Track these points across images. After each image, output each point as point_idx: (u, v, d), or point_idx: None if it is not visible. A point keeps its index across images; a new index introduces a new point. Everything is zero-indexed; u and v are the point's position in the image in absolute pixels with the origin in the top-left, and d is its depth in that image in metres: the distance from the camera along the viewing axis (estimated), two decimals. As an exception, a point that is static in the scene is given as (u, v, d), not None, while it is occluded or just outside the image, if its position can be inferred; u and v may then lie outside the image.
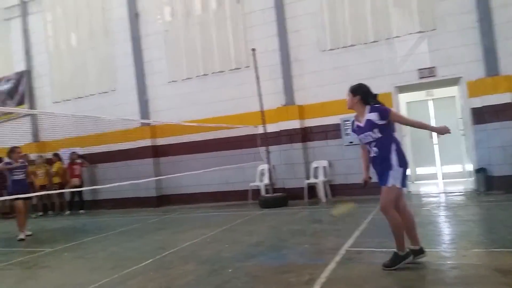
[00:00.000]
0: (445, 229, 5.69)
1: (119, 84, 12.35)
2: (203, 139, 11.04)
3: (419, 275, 3.68)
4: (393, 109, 3.92)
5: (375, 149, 3.89)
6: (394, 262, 3.79)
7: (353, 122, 4.11)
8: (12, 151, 8.18)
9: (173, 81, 11.69)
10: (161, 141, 11.91)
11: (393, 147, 3.81)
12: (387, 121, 3.86)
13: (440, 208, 7.35)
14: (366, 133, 3.90)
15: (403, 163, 3.80)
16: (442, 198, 8.54)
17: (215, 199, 10.97)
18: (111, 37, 12.50)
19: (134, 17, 12.01)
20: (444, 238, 5.20)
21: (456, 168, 11.23)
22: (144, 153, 11.76)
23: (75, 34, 13.06)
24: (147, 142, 11.82)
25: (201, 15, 11.40)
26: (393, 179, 3.74)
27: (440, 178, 11.50)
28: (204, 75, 11.32)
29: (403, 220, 3.92)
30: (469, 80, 8.77)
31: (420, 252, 3.95)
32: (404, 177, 3.82)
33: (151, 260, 5.14)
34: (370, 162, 4.05)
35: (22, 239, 7.75)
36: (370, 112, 3.89)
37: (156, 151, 11.89)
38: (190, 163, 10.93)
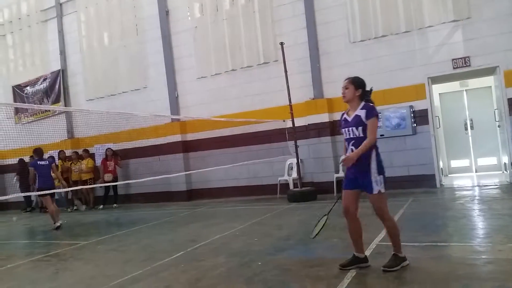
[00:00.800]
0: (480, 223, 5.53)
1: (150, 81, 12.60)
2: (232, 133, 11.13)
3: (452, 269, 3.60)
4: (377, 119, 3.74)
5: (353, 148, 3.75)
6: (396, 263, 3.70)
7: (342, 114, 3.97)
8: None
9: (202, 77, 11.82)
10: (190, 136, 12.09)
11: (373, 153, 3.71)
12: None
13: (474, 201, 7.14)
14: (349, 128, 3.78)
15: (382, 171, 3.71)
16: (477, 191, 8.29)
17: (244, 193, 11.05)
18: (142, 35, 12.75)
19: (164, 14, 12.20)
20: (479, 232, 5.05)
21: (491, 160, 10.87)
22: (174, 148, 11.98)
23: (107, 33, 13.40)
24: (177, 137, 12.03)
25: (229, 10, 11.45)
26: (377, 185, 3.66)
27: (474, 171, 11.16)
28: (233, 70, 11.38)
29: (356, 226, 3.89)
30: (507, 69, 8.45)
31: (365, 260, 3.89)
32: (385, 182, 3.72)
33: (182, 252, 5.25)
34: None
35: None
36: (361, 108, 3.77)
37: (186, 146, 12.08)
38: (219, 157, 11.05)
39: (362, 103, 3.80)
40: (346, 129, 3.82)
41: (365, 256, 3.90)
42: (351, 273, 3.72)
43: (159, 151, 12.13)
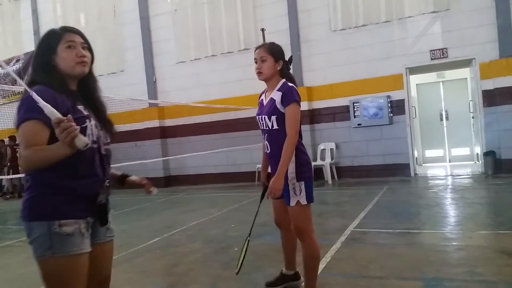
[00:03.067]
0: (451, 211, 5.67)
1: (128, 65, 12.34)
2: (211, 120, 11.04)
3: (423, 256, 3.69)
4: (298, 105, 2.66)
5: (267, 143, 2.80)
6: None
7: (260, 94, 2.99)
8: None
9: (181, 61, 11.65)
10: (169, 122, 11.94)
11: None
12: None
13: (447, 190, 7.32)
14: (262, 117, 2.77)
15: (303, 176, 2.69)
16: (450, 180, 8.50)
17: (222, 180, 11.03)
18: (119, 18, 12.44)
19: (142, -4, 11.92)
20: (450, 220, 5.18)
21: (465, 151, 11.15)
22: (152, 134, 11.82)
23: (84, 14, 13.01)
24: (155, 123, 11.87)
25: (209, -6, 11.27)
26: (295, 194, 2.69)
27: (448, 161, 11.44)
28: (213, 55, 11.25)
29: (291, 238, 3.08)
30: (482, 61, 8.62)
31: (295, 278, 3.13)
32: (311, 189, 2.74)
33: (159, 238, 5.22)
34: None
35: None
36: (278, 90, 2.72)
37: (164, 132, 11.94)
38: (198, 144, 10.98)
39: (282, 82, 2.76)
40: (259, 117, 2.81)
41: (295, 272, 3.14)
42: (326, 259, 3.77)
43: (136, 137, 11.95)
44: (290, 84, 2.72)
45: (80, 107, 1.80)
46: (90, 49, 1.94)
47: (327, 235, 4.64)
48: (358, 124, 9.63)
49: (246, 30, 10.81)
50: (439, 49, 8.96)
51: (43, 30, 12.54)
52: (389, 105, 9.38)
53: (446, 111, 11.35)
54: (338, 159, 9.86)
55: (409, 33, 9.26)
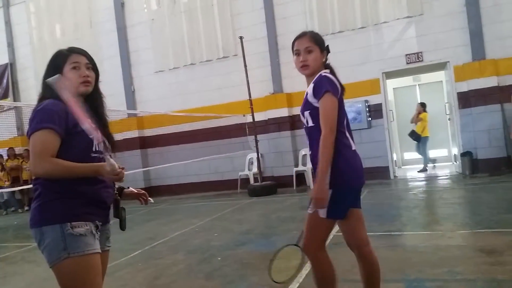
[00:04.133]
0: (431, 212, 5.77)
1: (105, 75, 12.04)
2: (191, 129, 10.97)
3: (405, 257, 3.73)
4: (332, 96, 2.21)
5: (308, 143, 2.41)
6: None
7: None
8: None
9: (160, 71, 11.58)
10: (148, 132, 11.82)
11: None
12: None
13: (426, 191, 7.44)
14: (301, 113, 2.42)
15: (333, 184, 2.19)
16: (428, 182, 8.64)
17: (204, 189, 10.95)
18: (96, 28, 12.30)
19: (119, 6, 11.83)
20: (430, 220, 5.26)
21: (442, 152, 11.36)
22: (132, 144, 11.65)
23: (60, 25, 12.83)
24: (134, 133, 11.72)
25: (187, 3, 11.25)
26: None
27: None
28: (192, 64, 11.22)
29: (361, 265, 2.54)
30: (456, 64, 8.83)
31: None
32: (340, 203, 2.28)
33: (140, 251, 5.14)
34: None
35: None
36: (313, 82, 2.33)
37: (144, 142, 11.81)
38: (179, 153, 10.88)
39: (318, 74, 2.35)
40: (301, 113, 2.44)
41: None
42: (308, 264, 3.76)
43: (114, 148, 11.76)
44: (323, 73, 2.30)
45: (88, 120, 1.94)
46: (95, 69, 2.10)
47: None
48: (338, 129, 9.71)
49: (225, 38, 10.82)
50: (414, 53, 9.14)
51: (18, 42, 12.33)
52: (367, 109, 9.50)
53: (423, 114, 11.54)
54: (319, 164, 9.91)
55: (384, 38, 9.43)
